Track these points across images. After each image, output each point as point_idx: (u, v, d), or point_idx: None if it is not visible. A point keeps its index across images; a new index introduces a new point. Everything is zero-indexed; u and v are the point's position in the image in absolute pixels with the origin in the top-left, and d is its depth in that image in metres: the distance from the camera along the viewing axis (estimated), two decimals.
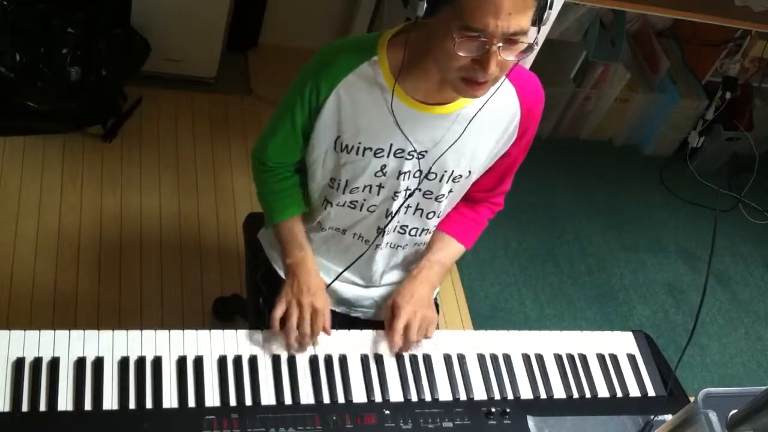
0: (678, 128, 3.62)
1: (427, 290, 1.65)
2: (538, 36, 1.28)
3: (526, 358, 1.62)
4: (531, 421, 1.50)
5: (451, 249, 1.72)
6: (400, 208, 1.59)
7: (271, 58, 3.31)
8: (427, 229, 1.68)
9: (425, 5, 1.24)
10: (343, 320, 1.77)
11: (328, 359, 1.51)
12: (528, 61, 2.20)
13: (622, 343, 1.72)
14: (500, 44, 1.23)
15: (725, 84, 3.36)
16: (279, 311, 1.54)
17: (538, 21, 1.27)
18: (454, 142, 1.48)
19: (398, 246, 1.70)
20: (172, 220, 2.71)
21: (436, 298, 1.90)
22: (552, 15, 1.29)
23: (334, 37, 3.39)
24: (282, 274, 1.79)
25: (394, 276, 1.77)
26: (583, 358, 1.66)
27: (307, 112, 1.49)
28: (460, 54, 1.25)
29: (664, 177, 3.61)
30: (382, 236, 1.65)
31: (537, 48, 1.27)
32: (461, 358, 1.58)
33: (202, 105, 3.10)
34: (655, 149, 3.69)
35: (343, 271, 1.72)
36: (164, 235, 2.67)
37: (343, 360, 1.52)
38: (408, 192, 1.57)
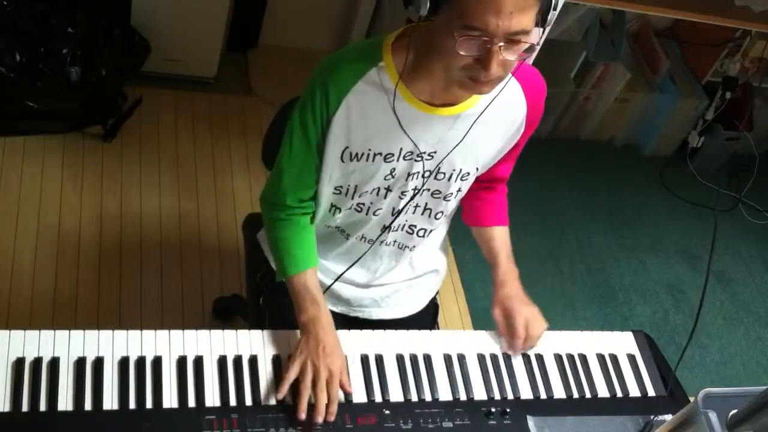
0: (678, 128, 3.62)
1: (519, 287, 1.69)
2: (541, 36, 1.27)
3: (526, 358, 1.62)
4: (531, 421, 1.50)
5: (506, 238, 1.77)
6: (406, 205, 1.59)
7: (271, 58, 3.31)
8: (435, 230, 1.67)
9: (428, 4, 1.24)
10: (343, 320, 1.77)
11: None
12: (528, 61, 2.20)
13: (622, 343, 1.72)
14: (501, 44, 1.22)
15: (725, 84, 3.36)
16: (293, 373, 1.43)
17: (541, 21, 1.26)
18: (460, 141, 1.48)
19: (406, 247, 1.69)
20: (172, 220, 2.71)
21: (436, 299, 1.90)
22: (555, 15, 1.28)
23: (334, 38, 3.40)
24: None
25: (395, 276, 1.76)
26: (583, 358, 1.66)
27: (320, 125, 1.46)
28: (461, 53, 1.24)
29: (664, 177, 3.61)
30: (387, 233, 1.64)
31: (538, 48, 1.27)
32: (461, 358, 1.58)
33: (202, 105, 3.10)
34: (655, 149, 3.69)
35: (344, 272, 1.71)
36: (164, 235, 2.67)
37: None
38: (416, 191, 1.57)
